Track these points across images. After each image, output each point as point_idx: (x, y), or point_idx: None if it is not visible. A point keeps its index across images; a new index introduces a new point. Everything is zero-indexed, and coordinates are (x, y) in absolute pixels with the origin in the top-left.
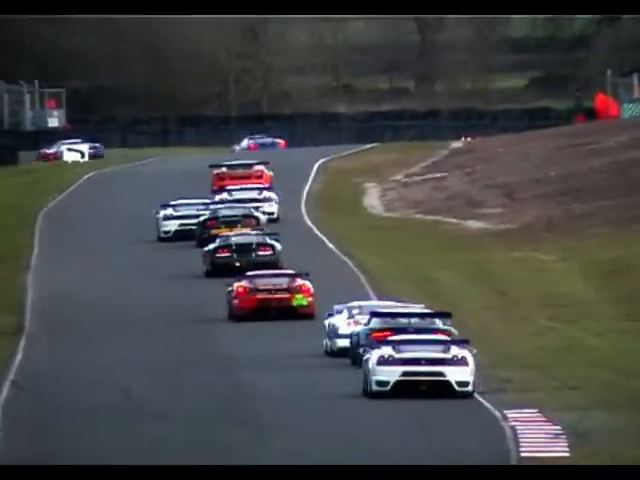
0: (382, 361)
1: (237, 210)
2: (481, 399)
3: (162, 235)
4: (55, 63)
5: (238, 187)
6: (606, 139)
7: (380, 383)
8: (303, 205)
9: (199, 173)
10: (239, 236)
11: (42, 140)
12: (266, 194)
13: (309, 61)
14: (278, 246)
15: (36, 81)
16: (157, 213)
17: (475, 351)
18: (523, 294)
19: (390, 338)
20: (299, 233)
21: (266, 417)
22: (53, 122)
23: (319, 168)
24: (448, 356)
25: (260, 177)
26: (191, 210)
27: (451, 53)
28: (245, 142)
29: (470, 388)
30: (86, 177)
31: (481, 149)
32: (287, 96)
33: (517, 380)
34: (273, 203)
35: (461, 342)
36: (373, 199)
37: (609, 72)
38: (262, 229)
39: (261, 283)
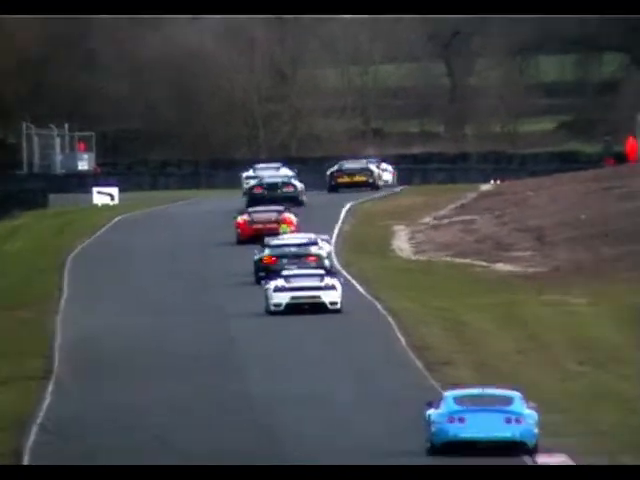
0: (277, 289)
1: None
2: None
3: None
4: (86, 107)
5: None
6: (635, 183)
7: (276, 305)
8: (333, 247)
9: (228, 213)
10: (270, 177)
11: (72, 183)
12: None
13: (338, 104)
14: (299, 185)
15: (66, 125)
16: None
17: (343, 279)
18: (553, 338)
19: (283, 273)
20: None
21: None
22: (83, 165)
23: (349, 210)
24: (322, 284)
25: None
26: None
27: (481, 97)
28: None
29: (338, 306)
30: (116, 219)
31: (510, 192)
32: (316, 139)
33: (547, 425)
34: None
35: (332, 274)
36: (402, 242)
37: (638, 116)
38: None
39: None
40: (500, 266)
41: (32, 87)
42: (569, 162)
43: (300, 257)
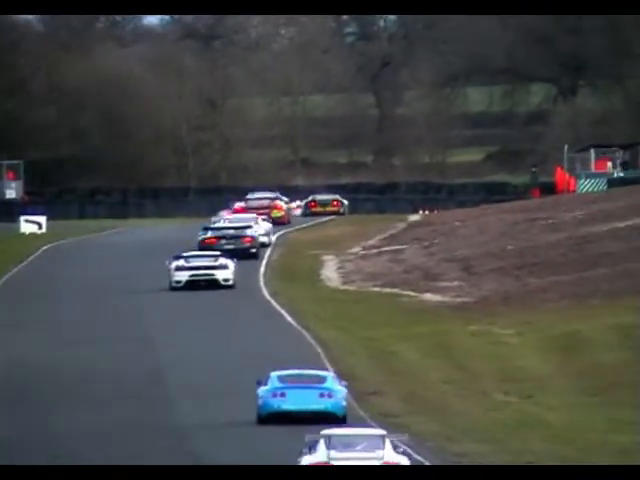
0: (178, 268)
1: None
2: None
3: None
4: (13, 135)
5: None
6: (562, 214)
7: (177, 282)
8: (261, 276)
9: (159, 243)
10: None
11: None
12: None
13: (267, 133)
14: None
15: None
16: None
17: (235, 261)
18: (480, 368)
19: (183, 254)
20: (257, 304)
21: None
22: (11, 194)
23: (277, 239)
24: (216, 264)
25: None
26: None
27: (409, 127)
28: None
29: (231, 282)
30: (44, 248)
31: (439, 222)
32: (246, 169)
33: (472, 454)
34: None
35: (225, 257)
36: (331, 271)
37: (566, 147)
38: None
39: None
40: (428, 296)
41: None
42: (497, 193)
43: (237, 238)
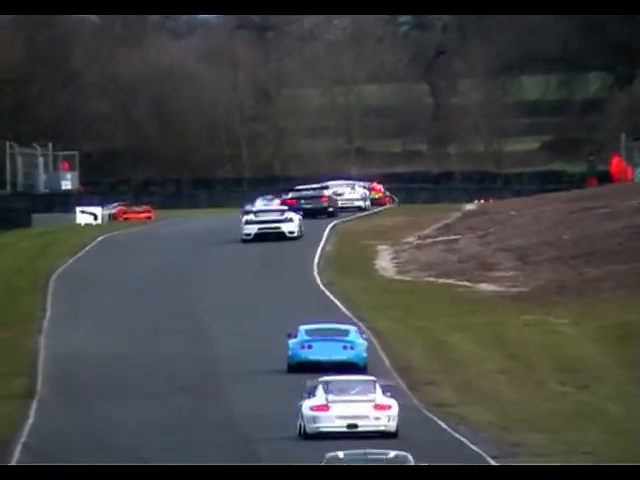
0: (247, 222)
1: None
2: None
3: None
4: (69, 126)
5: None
6: (619, 203)
7: (247, 234)
8: (315, 267)
9: (211, 234)
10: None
11: (55, 203)
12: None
13: (321, 123)
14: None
15: (50, 144)
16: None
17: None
18: (535, 358)
19: (252, 209)
20: (312, 293)
21: None
22: (66, 185)
23: (331, 230)
24: (282, 217)
25: None
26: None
27: (464, 116)
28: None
29: (295, 235)
30: (99, 239)
31: (494, 212)
32: (299, 158)
33: (529, 445)
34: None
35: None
36: (385, 261)
37: (623, 136)
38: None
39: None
40: (483, 286)
41: (15, 106)
42: (552, 182)
43: (315, 198)
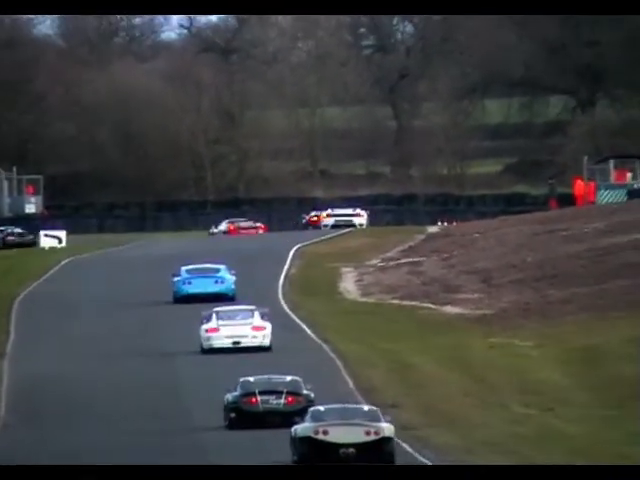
0: (328, 215)
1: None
2: None
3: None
4: (33, 150)
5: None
6: (582, 225)
7: (324, 225)
8: (280, 289)
9: (176, 257)
10: None
11: (19, 226)
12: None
13: (285, 145)
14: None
15: (14, 167)
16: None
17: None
18: (500, 380)
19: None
20: (276, 316)
21: None
22: (30, 208)
23: (296, 252)
24: (354, 212)
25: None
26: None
27: (427, 139)
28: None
29: (364, 227)
30: (64, 262)
31: (458, 234)
32: (264, 181)
33: None
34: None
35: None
36: (349, 284)
37: (585, 158)
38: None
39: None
40: (448, 308)
41: None
42: (516, 204)
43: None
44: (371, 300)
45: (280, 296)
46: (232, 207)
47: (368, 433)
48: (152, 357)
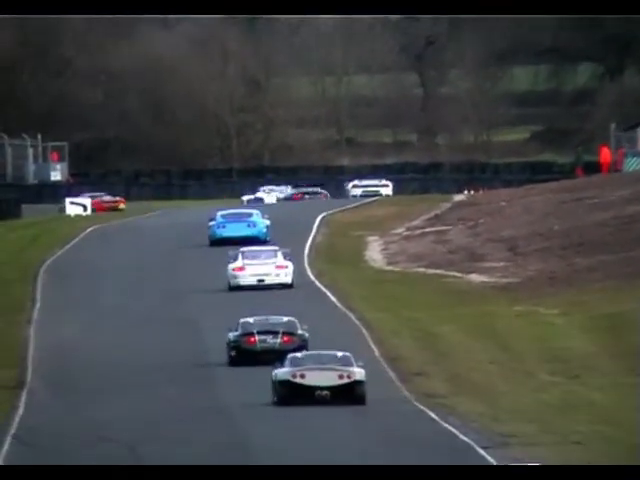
0: (354, 186)
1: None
2: (484, 453)
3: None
4: (58, 117)
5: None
6: (608, 193)
7: (353, 196)
8: (306, 258)
9: (200, 226)
10: None
11: (45, 193)
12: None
13: (311, 114)
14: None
15: (39, 135)
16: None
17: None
18: (525, 348)
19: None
20: (301, 285)
21: None
22: (56, 175)
23: (321, 221)
24: (381, 183)
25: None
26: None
27: (453, 107)
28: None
29: (390, 196)
30: (89, 230)
31: (484, 202)
32: (289, 149)
33: (520, 435)
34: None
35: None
36: (375, 252)
37: (613, 126)
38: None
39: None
40: (473, 277)
41: (4, 95)
42: (542, 172)
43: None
44: (397, 269)
45: (306, 264)
46: (257, 175)
47: (341, 377)
48: (178, 325)
